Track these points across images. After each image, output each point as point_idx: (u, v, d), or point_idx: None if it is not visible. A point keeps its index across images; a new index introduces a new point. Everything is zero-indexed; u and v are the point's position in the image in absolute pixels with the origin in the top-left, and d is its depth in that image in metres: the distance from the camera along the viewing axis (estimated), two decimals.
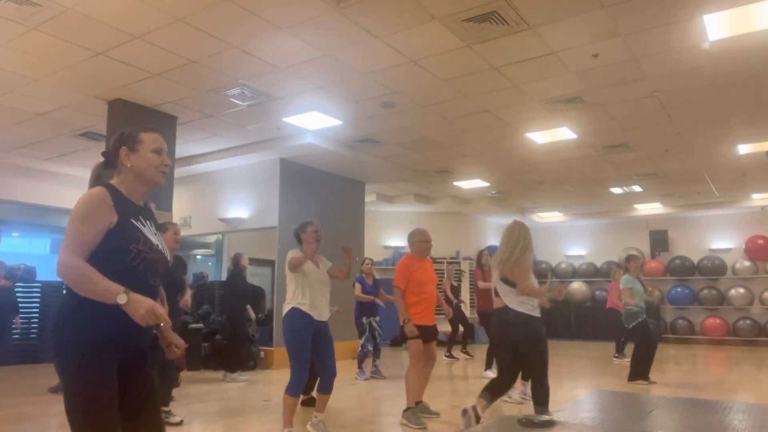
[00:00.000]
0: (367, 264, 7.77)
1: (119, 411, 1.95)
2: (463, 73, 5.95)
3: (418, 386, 4.96)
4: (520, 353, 4.20)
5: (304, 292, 4.14)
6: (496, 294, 4.34)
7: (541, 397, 4.17)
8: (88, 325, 1.87)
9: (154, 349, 2.13)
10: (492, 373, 7.27)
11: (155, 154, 2.12)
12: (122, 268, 1.94)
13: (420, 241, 5.03)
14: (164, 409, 4.78)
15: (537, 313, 4.18)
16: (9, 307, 8.22)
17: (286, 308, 4.16)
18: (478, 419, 4.04)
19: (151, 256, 2.03)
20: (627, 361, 7.52)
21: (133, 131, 2.15)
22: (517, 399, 5.72)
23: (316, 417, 4.31)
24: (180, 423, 4.78)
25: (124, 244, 1.96)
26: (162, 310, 1.87)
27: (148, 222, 2.12)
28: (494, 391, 4.27)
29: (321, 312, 4.19)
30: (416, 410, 4.85)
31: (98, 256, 1.92)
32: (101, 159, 2.19)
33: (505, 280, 4.21)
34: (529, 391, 5.76)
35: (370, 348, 7.50)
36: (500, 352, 4.38)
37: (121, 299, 1.81)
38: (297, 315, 4.07)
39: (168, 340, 2.13)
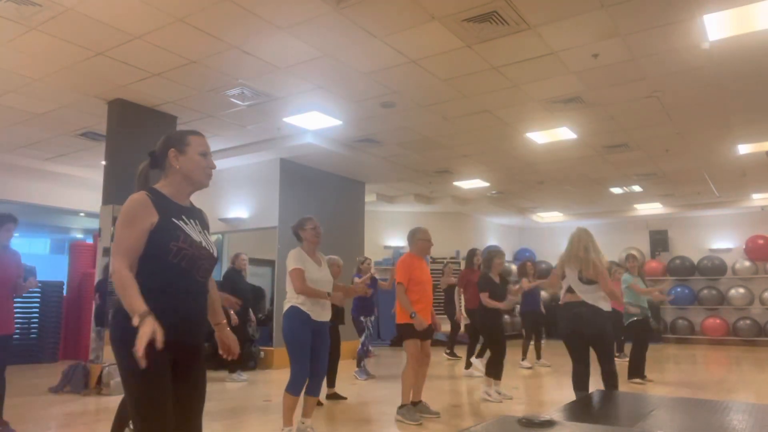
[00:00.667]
0: (366, 263, 7.77)
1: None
2: (463, 73, 5.95)
3: (416, 385, 4.97)
4: (589, 344, 4.69)
5: None
6: (570, 291, 4.73)
7: (612, 382, 4.69)
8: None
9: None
10: (479, 363, 7.33)
11: (202, 157, 2.22)
12: (166, 266, 2.04)
13: (424, 239, 5.07)
14: None
15: (608, 308, 4.64)
16: None
17: (285, 306, 4.13)
18: None
19: (192, 252, 2.10)
20: (627, 360, 7.59)
21: (181, 134, 2.24)
22: (497, 398, 5.78)
23: (303, 423, 4.22)
24: None
25: (164, 242, 2.04)
26: (155, 333, 1.86)
27: (192, 221, 2.19)
28: (577, 381, 4.77)
29: (320, 312, 4.12)
30: (411, 407, 4.86)
31: (144, 256, 2.02)
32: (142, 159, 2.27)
33: (584, 280, 4.62)
34: (502, 390, 5.85)
35: (370, 347, 7.49)
36: (573, 344, 4.76)
37: (134, 321, 1.86)
38: (295, 313, 4.03)
39: (224, 341, 2.40)
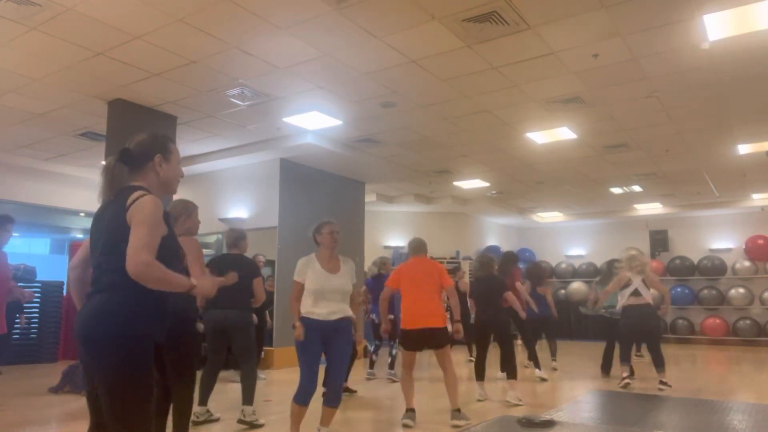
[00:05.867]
0: (388, 265, 7.73)
1: None
2: (463, 73, 5.95)
3: (412, 391, 5.01)
4: (645, 333, 6.57)
5: (313, 299, 3.95)
6: (635, 294, 6.43)
7: (660, 362, 6.39)
8: (138, 321, 2.02)
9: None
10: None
11: (179, 167, 2.30)
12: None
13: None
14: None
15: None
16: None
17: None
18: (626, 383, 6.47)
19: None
20: (642, 359, 7.84)
21: (164, 140, 2.27)
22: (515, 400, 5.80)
23: (319, 430, 4.02)
24: (218, 419, 4.91)
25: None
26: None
27: None
28: (624, 358, 6.69)
29: (330, 309, 3.92)
30: (457, 412, 4.82)
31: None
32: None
33: (648, 287, 6.48)
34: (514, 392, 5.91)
35: (394, 351, 7.44)
36: (633, 333, 6.65)
37: (195, 282, 2.10)
38: (304, 322, 3.88)
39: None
